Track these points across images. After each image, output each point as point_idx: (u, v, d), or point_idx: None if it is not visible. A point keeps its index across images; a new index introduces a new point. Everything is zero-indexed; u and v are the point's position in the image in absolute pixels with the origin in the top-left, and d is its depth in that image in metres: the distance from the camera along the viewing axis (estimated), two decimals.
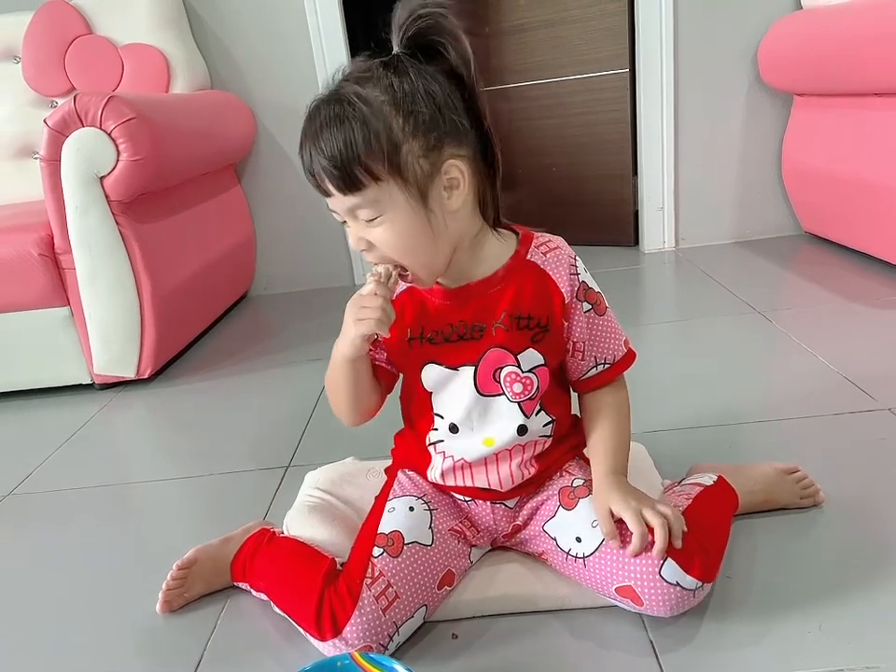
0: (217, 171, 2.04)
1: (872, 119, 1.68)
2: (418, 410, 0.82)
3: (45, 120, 1.45)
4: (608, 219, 2.39)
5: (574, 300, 0.78)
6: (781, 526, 0.88)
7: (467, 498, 0.84)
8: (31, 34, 1.98)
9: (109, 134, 1.44)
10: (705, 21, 2.05)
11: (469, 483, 0.81)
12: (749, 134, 2.16)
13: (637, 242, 2.37)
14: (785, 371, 1.34)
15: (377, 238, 0.70)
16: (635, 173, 2.29)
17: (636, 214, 2.34)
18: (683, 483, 0.88)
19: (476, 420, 0.79)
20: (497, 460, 0.80)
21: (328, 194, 0.69)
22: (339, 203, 0.69)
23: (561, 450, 0.84)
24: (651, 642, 0.73)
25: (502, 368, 0.77)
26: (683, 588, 0.70)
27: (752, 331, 1.54)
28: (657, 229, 2.27)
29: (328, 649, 0.72)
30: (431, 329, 0.77)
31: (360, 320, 0.71)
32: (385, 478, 0.91)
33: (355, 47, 2.17)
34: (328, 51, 2.12)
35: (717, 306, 1.72)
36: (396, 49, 0.69)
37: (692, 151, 2.18)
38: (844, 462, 1.00)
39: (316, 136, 0.67)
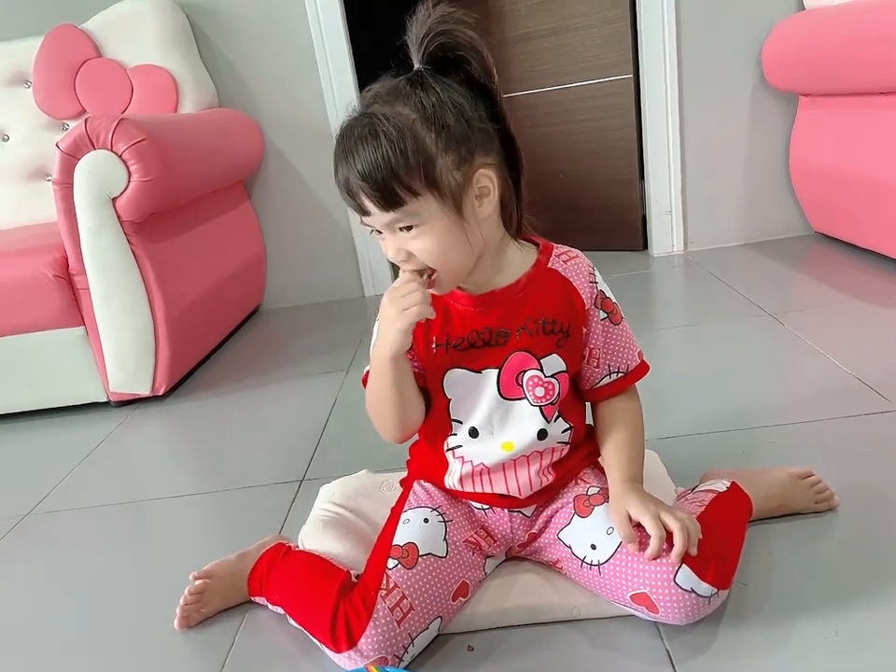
0: (227, 188, 2.06)
1: (878, 117, 1.67)
2: (436, 418, 0.83)
3: (57, 144, 1.48)
4: (616, 224, 2.39)
5: (593, 307, 0.80)
6: (796, 532, 0.87)
7: (484, 506, 0.84)
8: (41, 58, 2.01)
9: (120, 156, 1.46)
10: (707, 24, 2.05)
11: (487, 490, 0.82)
12: (755, 136, 2.16)
13: (645, 246, 2.36)
14: (797, 373, 1.34)
15: (416, 248, 0.71)
16: (642, 177, 2.29)
17: (644, 218, 2.33)
18: (696, 489, 0.88)
19: (497, 424, 0.80)
20: (515, 466, 0.80)
21: (366, 212, 0.70)
22: (377, 219, 0.70)
23: (577, 457, 0.84)
24: (668, 651, 0.73)
25: (525, 371, 0.78)
26: (698, 595, 0.70)
27: (763, 334, 1.54)
28: (666, 232, 2.27)
29: (343, 661, 0.73)
30: (457, 335, 0.78)
31: (406, 309, 0.71)
32: (399, 490, 0.92)
33: (360, 62, 2.19)
34: (333, 67, 2.14)
35: (727, 309, 1.71)
36: (417, 66, 0.71)
37: (698, 154, 2.18)
38: (859, 465, 1.00)
39: (353, 157, 0.68)
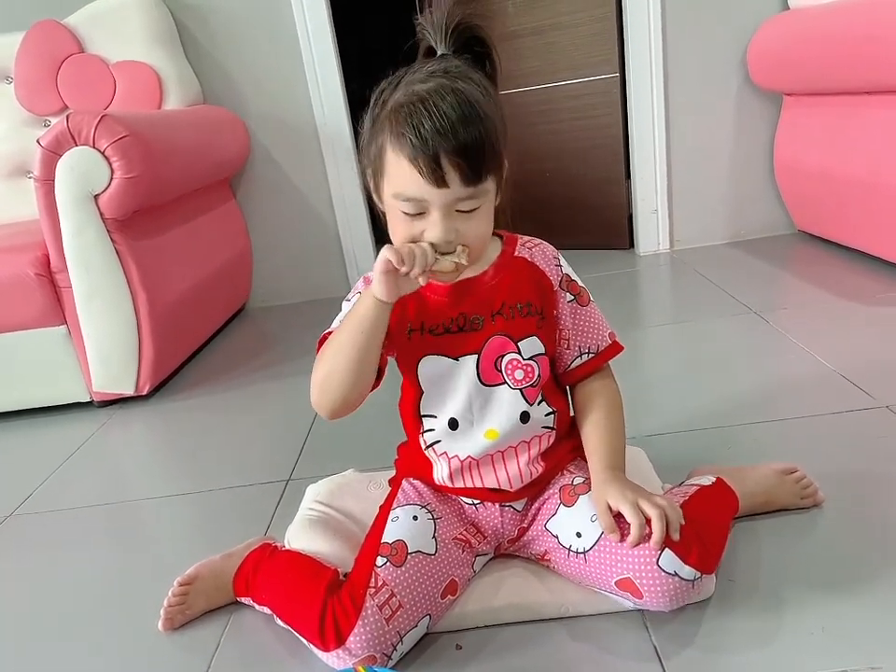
0: (212, 185, 2.04)
1: (861, 116, 1.68)
2: (411, 412, 0.83)
3: (38, 140, 1.46)
4: (602, 223, 2.40)
5: (559, 288, 0.82)
6: (782, 527, 0.88)
7: (475, 502, 0.84)
8: (23, 53, 1.99)
9: (103, 153, 1.44)
10: (692, 23, 2.06)
11: (478, 484, 0.82)
12: (740, 135, 2.17)
13: (632, 245, 2.37)
14: (782, 370, 1.35)
15: (470, 227, 0.72)
16: (628, 176, 2.29)
17: (630, 217, 2.34)
18: (682, 485, 0.89)
19: (476, 412, 0.80)
20: (504, 458, 0.81)
21: (443, 184, 0.68)
22: (449, 194, 0.69)
23: (565, 448, 0.85)
24: (655, 646, 0.73)
25: (503, 356, 0.79)
26: (682, 578, 0.70)
27: (749, 332, 1.55)
28: (652, 231, 2.28)
29: (331, 659, 0.72)
30: (431, 322, 0.79)
31: (390, 248, 0.69)
32: (386, 489, 0.91)
33: (346, 63, 2.19)
34: (319, 65, 2.13)
35: (713, 307, 1.72)
36: (441, 52, 0.74)
37: (684, 153, 2.19)
38: (843, 461, 1.01)
39: (452, 128, 0.66)
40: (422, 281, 0.71)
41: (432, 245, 0.70)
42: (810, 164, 1.91)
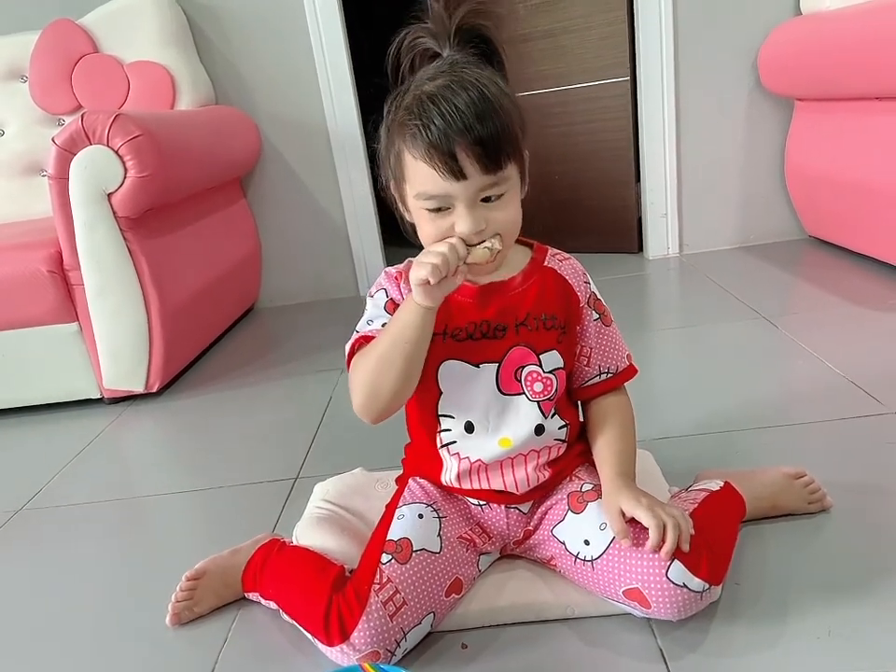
0: (223, 185, 2.06)
1: (873, 122, 1.68)
2: (428, 412, 0.83)
3: (53, 139, 1.47)
4: (611, 226, 2.40)
5: (586, 306, 0.82)
6: (789, 532, 0.88)
7: (481, 502, 0.84)
8: (37, 53, 2.01)
9: (116, 152, 1.45)
10: (704, 27, 2.06)
11: (484, 486, 0.82)
12: (751, 140, 2.17)
13: (641, 248, 2.37)
14: (791, 376, 1.34)
15: (497, 217, 0.72)
16: (638, 179, 2.29)
17: (639, 220, 2.34)
18: (690, 489, 0.89)
19: (493, 419, 0.80)
20: (512, 464, 0.81)
21: (461, 177, 0.68)
22: (470, 185, 0.69)
23: (572, 454, 0.85)
24: (661, 649, 0.73)
25: (524, 367, 0.79)
26: (690, 590, 0.70)
27: (758, 337, 1.54)
28: (661, 235, 2.28)
29: (335, 654, 0.73)
30: (455, 325, 0.79)
31: (420, 263, 0.69)
32: (393, 488, 0.92)
33: (357, 62, 2.20)
34: (331, 66, 2.14)
35: (722, 312, 1.72)
36: (446, 53, 0.73)
37: (694, 157, 2.19)
38: (851, 467, 1.00)
39: (465, 117, 0.66)
40: (459, 279, 0.71)
41: (463, 240, 0.70)
42: (821, 169, 1.91)
